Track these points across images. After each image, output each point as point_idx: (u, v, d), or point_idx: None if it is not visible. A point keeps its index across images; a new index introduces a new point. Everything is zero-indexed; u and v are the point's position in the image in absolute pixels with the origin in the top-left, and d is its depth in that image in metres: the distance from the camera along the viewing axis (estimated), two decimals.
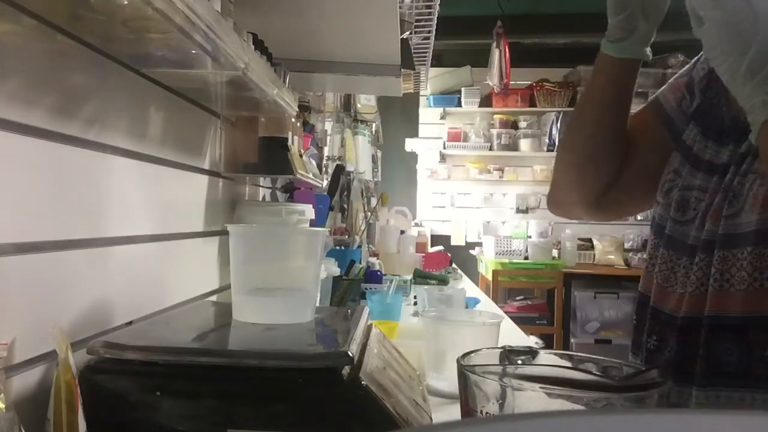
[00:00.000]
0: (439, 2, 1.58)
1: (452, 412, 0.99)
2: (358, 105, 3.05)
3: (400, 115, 4.95)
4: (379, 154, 4.29)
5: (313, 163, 1.87)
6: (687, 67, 0.89)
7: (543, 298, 4.72)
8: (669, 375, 0.58)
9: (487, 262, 4.62)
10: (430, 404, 0.96)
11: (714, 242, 0.73)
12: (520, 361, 0.64)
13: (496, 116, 5.13)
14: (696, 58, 0.87)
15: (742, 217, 0.72)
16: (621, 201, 0.96)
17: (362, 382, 0.72)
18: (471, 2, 4.42)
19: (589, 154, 0.91)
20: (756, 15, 0.59)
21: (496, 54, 4.43)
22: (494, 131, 5.12)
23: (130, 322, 0.95)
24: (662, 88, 0.91)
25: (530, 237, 4.74)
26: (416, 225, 4.38)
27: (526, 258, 4.58)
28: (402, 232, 3.39)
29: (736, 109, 0.72)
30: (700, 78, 0.84)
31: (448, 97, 5.10)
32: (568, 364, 0.65)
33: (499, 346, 0.67)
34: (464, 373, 0.58)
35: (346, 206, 2.72)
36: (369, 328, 1.01)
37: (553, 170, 0.98)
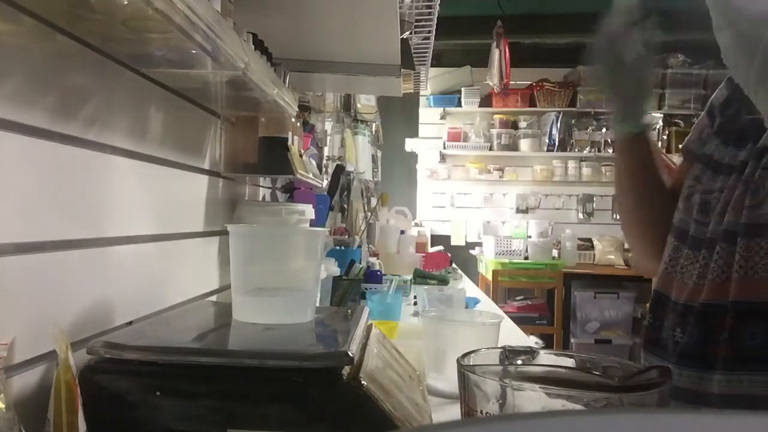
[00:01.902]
0: (439, 2, 1.58)
1: (452, 412, 0.99)
2: (358, 105, 3.05)
3: (400, 115, 4.95)
4: (379, 154, 4.29)
5: (313, 163, 1.87)
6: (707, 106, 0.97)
7: (543, 298, 4.72)
8: (669, 375, 0.57)
9: (487, 262, 4.62)
10: (430, 404, 0.96)
11: (735, 232, 0.77)
12: (520, 361, 0.64)
13: (496, 116, 5.13)
14: (716, 92, 0.93)
15: (764, 207, 0.76)
16: None
17: (362, 382, 0.72)
18: (471, 2, 4.42)
19: (640, 219, 1.03)
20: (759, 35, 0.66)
21: (496, 54, 4.44)
22: (494, 131, 5.12)
23: (130, 322, 0.95)
24: (688, 136, 1.00)
25: (530, 237, 4.74)
26: (416, 225, 4.38)
27: (526, 258, 4.58)
28: (402, 232, 3.39)
29: (753, 111, 0.79)
30: (720, 103, 0.91)
31: (448, 97, 5.10)
32: (568, 364, 0.65)
33: (499, 346, 0.67)
34: (464, 373, 0.58)
35: (346, 206, 2.72)
36: (369, 328, 1.01)
37: (625, 240, 1.12)
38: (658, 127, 4.96)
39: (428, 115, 5.18)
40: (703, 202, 0.84)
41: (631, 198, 1.02)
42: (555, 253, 4.67)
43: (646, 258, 1.03)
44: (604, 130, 5.00)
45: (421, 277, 2.64)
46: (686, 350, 0.80)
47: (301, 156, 1.55)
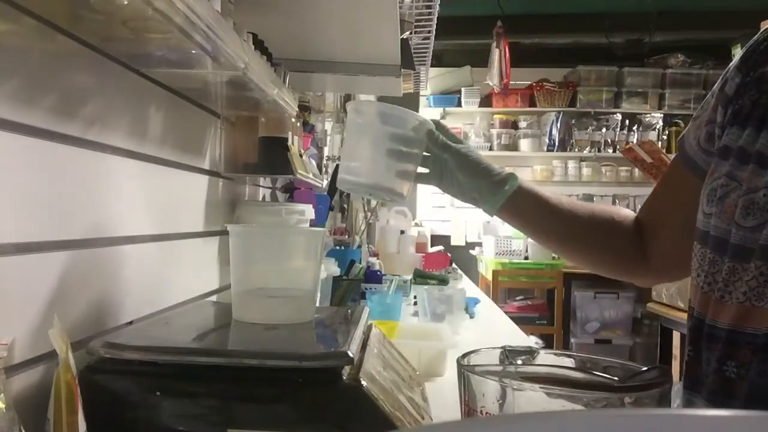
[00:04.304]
0: (439, 2, 1.58)
1: (452, 412, 0.99)
2: None
3: None
4: None
5: (313, 163, 1.87)
6: (710, 96, 0.83)
7: (543, 298, 4.72)
8: (669, 375, 0.57)
9: (487, 262, 4.62)
10: (430, 404, 0.96)
11: None
12: (520, 361, 0.64)
13: (496, 116, 5.13)
14: (722, 79, 0.81)
15: None
16: (670, 257, 0.92)
17: (362, 382, 0.72)
18: (471, 2, 4.42)
19: (580, 258, 0.99)
20: None
21: (496, 54, 4.44)
22: (494, 131, 5.13)
23: (130, 322, 0.95)
24: (686, 130, 0.88)
25: None
26: (416, 225, 4.38)
27: (526, 258, 4.58)
28: (402, 232, 3.39)
29: None
30: (734, 91, 0.78)
31: (448, 97, 5.10)
32: (568, 364, 0.65)
33: (499, 346, 0.67)
34: (464, 373, 0.58)
35: (346, 206, 2.72)
36: (369, 328, 1.01)
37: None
38: (658, 127, 4.96)
39: (428, 115, 5.15)
40: (749, 203, 0.68)
41: (556, 247, 0.99)
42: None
43: (604, 271, 1.00)
44: (604, 130, 5.00)
45: (421, 277, 2.64)
46: (755, 391, 0.65)
47: (301, 156, 1.55)
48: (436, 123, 0.93)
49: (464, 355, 0.62)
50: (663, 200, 0.94)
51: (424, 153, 0.94)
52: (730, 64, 0.80)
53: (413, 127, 0.92)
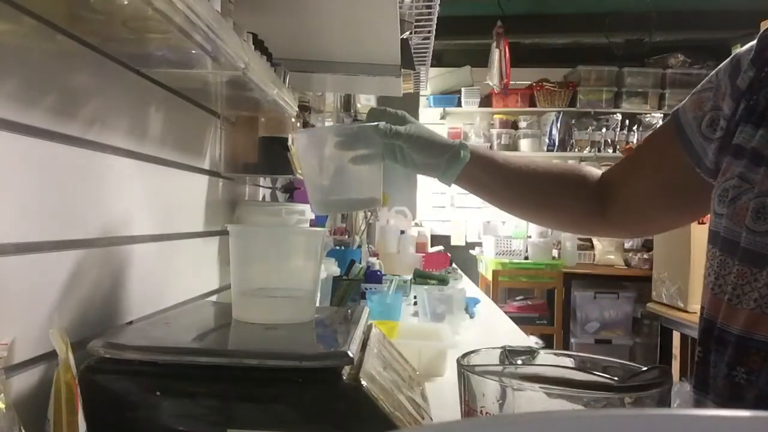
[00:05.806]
0: (439, 2, 1.58)
1: (452, 412, 0.99)
2: (358, 105, 3.05)
3: None
4: None
5: None
6: (716, 76, 0.80)
7: (543, 298, 4.71)
8: (669, 375, 0.57)
9: (487, 262, 4.61)
10: (430, 404, 0.96)
11: None
12: (520, 361, 0.64)
13: (496, 116, 5.13)
14: (731, 63, 0.78)
15: None
16: (629, 216, 0.95)
17: (362, 382, 0.72)
18: (471, 2, 4.42)
19: (535, 218, 1.07)
20: None
21: (496, 54, 4.44)
22: (494, 131, 5.13)
23: (130, 322, 0.95)
24: (685, 102, 0.85)
25: (530, 237, 4.74)
26: (416, 225, 4.38)
27: (526, 258, 4.58)
28: (402, 232, 3.39)
29: None
30: (747, 85, 0.75)
31: (448, 97, 5.10)
32: (568, 364, 0.65)
33: (499, 346, 0.67)
34: (464, 373, 0.58)
35: None
36: (369, 328, 1.01)
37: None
38: (658, 127, 4.95)
39: (428, 115, 5.18)
40: (761, 207, 0.68)
41: (512, 210, 1.01)
42: (555, 253, 4.67)
43: (560, 228, 1.04)
44: (604, 130, 5.00)
45: (421, 277, 2.63)
46: (763, 398, 0.64)
47: None
48: (373, 112, 0.93)
49: (464, 355, 0.62)
50: (641, 162, 0.94)
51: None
52: (740, 50, 0.77)
53: (357, 130, 0.92)
